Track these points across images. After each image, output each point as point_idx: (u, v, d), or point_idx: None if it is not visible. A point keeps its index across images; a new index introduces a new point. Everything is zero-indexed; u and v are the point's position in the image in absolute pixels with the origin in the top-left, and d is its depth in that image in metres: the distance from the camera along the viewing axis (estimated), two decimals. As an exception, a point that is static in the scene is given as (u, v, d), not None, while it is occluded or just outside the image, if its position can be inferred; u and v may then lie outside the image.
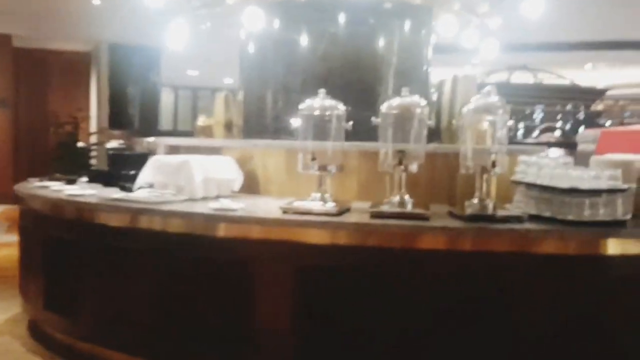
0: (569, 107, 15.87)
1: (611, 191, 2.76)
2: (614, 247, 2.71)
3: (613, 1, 8.80)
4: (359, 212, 3.03)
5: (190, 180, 3.42)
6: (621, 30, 10.55)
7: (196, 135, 4.93)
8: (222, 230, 2.98)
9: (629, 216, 2.81)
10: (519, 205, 3.02)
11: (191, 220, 3.03)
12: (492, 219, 2.81)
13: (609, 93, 17.29)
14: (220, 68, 12.28)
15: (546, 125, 16.36)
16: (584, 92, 15.93)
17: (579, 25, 9.83)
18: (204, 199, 3.40)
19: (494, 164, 2.87)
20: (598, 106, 17.86)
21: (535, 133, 16.12)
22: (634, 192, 2.89)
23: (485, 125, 2.96)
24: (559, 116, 16.15)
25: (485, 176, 2.93)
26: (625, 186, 2.80)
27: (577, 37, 11.01)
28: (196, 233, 3.02)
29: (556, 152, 4.08)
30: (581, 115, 16.50)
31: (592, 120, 16.00)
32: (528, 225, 2.73)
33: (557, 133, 16.06)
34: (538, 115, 15.77)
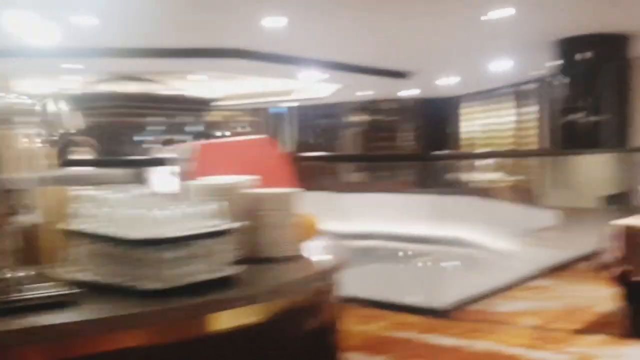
0: (185, 118, 15.59)
1: (212, 235, 1.81)
2: (222, 320, 1.77)
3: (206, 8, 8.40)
4: None
5: None
6: (220, 39, 10.33)
7: None
8: None
9: (238, 267, 1.89)
10: (77, 268, 1.86)
11: None
12: (12, 307, 1.58)
13: (224, 104, 17.60)
14: None
15: (166, 138, 15.79)
16: (197, 102, 15.80)
17: (176, 31, 9.26)
18: None
19: (17, 207, 1.65)
20: (215, 117, 18.02)
21: (158, 146, 15.42)
22: (242, 230, 1.98)
23: (5, 140, 1.73)
24: (175, 128, 15.83)
25: (7, 227, 1.69)
26: (234, 225, 1.88)
27: (182, 44, 10.47)
28: None
29: (165, 172, 3.11)
30: (200, 127, 16.36)
31: (210, 132, 16.01)
32: (74, 313, 1.56)
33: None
34: (156, 127, 15.08)
